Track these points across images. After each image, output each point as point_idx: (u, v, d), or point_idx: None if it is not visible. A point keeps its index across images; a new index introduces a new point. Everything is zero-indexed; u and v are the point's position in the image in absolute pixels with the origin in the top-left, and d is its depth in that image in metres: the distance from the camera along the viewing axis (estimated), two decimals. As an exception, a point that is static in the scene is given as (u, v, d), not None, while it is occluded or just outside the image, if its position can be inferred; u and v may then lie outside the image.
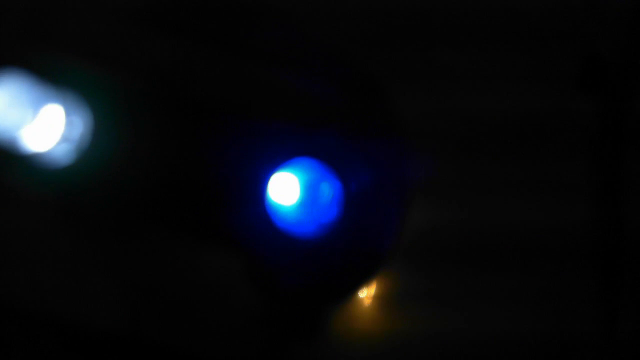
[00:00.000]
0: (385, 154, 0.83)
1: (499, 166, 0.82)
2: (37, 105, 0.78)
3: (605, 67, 0.80)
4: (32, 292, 0.83)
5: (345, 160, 0.79)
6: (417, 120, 0.83)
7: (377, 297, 0.83)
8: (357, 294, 0.83)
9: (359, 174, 0.81)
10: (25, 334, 0.83)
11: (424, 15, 0.83)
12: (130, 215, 0.83)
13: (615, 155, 0.81)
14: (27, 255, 0.84)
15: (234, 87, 0.82)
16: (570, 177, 0.82)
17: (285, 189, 0.78)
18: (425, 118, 0.83)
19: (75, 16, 0.84)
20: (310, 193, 0.78)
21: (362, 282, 0.83)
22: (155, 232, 0.83)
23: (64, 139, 0.79)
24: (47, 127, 0.78)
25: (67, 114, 0.79)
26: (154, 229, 0.83)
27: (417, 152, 0.82)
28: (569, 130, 0.81)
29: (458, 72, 0.83)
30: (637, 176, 0.80)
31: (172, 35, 0.83)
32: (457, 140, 0.83)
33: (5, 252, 0.85)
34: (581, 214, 0.82)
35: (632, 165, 0.80)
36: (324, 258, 0.81)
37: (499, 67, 0.83)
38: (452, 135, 0.83)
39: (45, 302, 0.83)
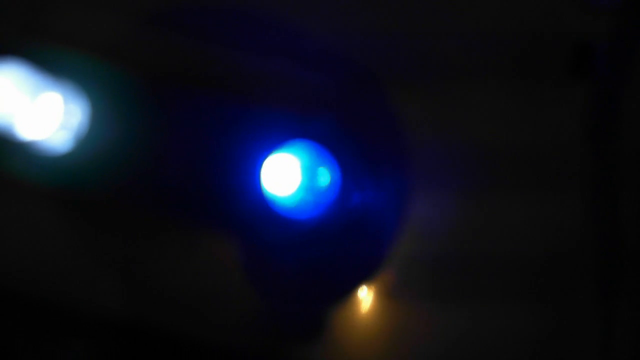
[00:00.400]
0: (386, 149, 0.84)
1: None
2: (35, 94, 0.78)
3: (595, 54, 0.82)
4: (30, 279, 0.83)
5: (343, 146, 0.80)
6: (414, 113, 0.84)
7: (378, 296, 0.84)
8: (358, 293, 0.84)
9: (361, 167, 0.82)
10: (25, 321, 0.83)
11: (420, 9, 0.85)
12: (127, 203, 0.83)
13: (609, 137, 0.83)
14: (24, 243, 0.84)
15: (230, 77, 0.83)
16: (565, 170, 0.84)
17: (283, 173, 0.78)
18: (420, 110, 0.84)
19: (74, 7, 0.85)
20: (307, 177, 0.79)
21: (362, 279, 0.84)
22: (152, 220, 0.84)
23: (62, 127, 0.79)
24: (45, 115, 0.77)
25: (65, 102, 0.79)
26: (151, 216, 0.84)
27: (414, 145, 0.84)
28: (562, 116, 0.84)
29: (454, 65, 0.84)
30: (632, 160, 0.83)
31: (169, 28, 0.83)
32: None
33: (2, 239, 0.85)
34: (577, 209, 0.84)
35: (627, 148, 0.82)
36: (323, 246, 0.82)
37: (493, 58, 0.85)
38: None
39: (44, 289, 0.83)
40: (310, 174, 0.78)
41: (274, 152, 0.76)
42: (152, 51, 0.83)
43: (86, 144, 0.80)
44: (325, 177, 0.79)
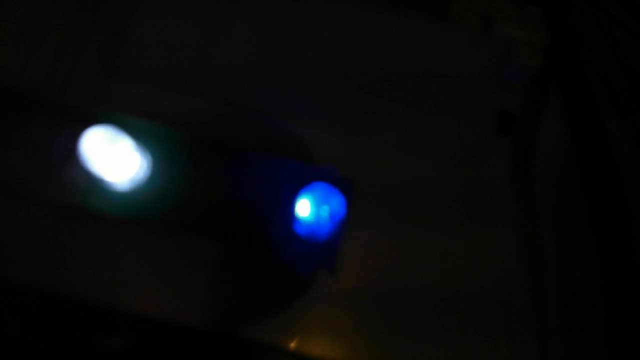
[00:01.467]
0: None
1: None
2: (114, 149, 1.01)
3: (513, 118, 1.11)
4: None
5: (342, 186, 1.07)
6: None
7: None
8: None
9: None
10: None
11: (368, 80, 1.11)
12: (185, 228, 1.02)
13: (527, 176, 1.09)
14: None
15: (260, 136, 1.09)
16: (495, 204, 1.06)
17: (302, 206, 1.05)
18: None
19: (136, 89, 1.10)
20: (318, 209, 1.06)
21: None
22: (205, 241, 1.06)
23: (134, 173, 1.01)
24: (121, 163, 1.00)
25: (136, 154, 1.01)
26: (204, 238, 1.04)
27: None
28: (492, 161, 1.11)
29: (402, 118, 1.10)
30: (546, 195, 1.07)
31: (210, 99, 1.09)
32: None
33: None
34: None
35: (539, 183, 1.08)
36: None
37: (435, 121, 1.11)
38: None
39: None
40: (319, 206, 1.05)
41: (301, 193, 1.03)
42: (199, 117, 1.08)
43: (150, 185, 1.02)
44: (330, 208, 1.05)
